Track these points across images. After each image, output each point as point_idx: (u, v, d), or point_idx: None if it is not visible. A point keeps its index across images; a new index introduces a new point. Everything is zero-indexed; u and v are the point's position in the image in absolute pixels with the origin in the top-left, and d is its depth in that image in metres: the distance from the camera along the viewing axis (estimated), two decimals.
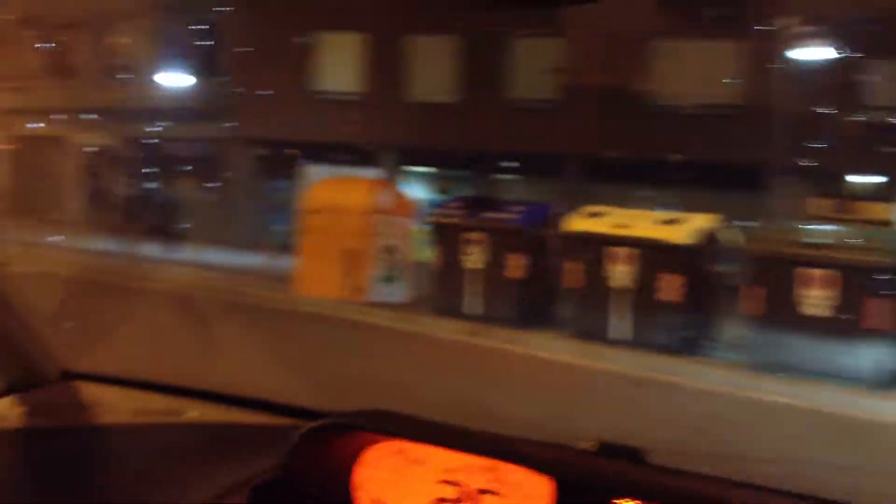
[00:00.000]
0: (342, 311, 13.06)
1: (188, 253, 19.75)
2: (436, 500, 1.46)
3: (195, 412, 1.99)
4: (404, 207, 14.48)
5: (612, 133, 19.21)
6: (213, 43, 26.82)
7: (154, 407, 2.02)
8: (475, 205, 13.17)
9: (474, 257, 12.59)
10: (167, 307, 12.49)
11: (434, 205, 15.31)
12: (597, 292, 11.56)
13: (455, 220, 12.92)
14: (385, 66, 23.79)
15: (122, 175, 28.52)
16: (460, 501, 1.44)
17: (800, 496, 1.30)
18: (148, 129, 27.34)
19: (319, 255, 13.76)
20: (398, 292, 14.00)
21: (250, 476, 1.55)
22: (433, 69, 23.10)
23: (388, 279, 13.97)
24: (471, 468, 1.42)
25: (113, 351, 6.81)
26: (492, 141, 21.68)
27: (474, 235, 12.62)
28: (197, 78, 26.76)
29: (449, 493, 1.44)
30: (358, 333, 12.14)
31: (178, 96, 26.23)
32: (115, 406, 1.97)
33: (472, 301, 12.67)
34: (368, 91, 24.41)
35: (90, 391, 1.99)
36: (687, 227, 11.30)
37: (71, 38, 29.72)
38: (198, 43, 27.05)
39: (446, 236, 12.94)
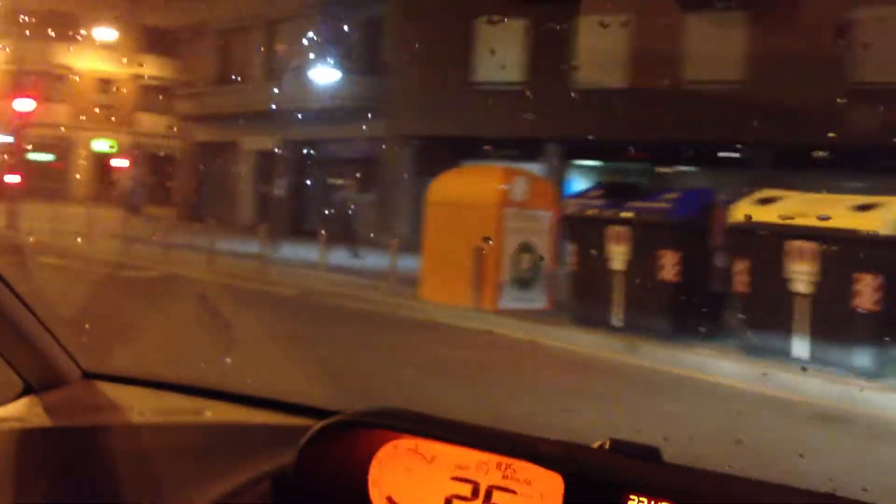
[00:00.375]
0: (465, 319, 11.22)
1: (335, 255, 18.56)
2: (449, 496, 1.45)
3: (212, 412, 2.01)
4: (543, 199, 12.38)
5: (811, 115, 16.25)
6: (371, 39, 25.93)
7: (174, 407, 2.06)
8: (619, 193, 10.93)
9: (618, 256, 10.40)
10: (281, 313, 11.26)
11: (570, 194, 13.15)
12: (773, 299, 9.13)
13: (594, 212, 10.77)
14: (550, 53, 21.81)
15: (288, 177, 28.19)
16: (473, 498, 1.43)
17: (820, 494, 1.26)
18: (310, 131, 26.77)
19: (444, 255, 12.01)
20: (536, 298, 11.99)
21: (266, 473, 1.56)
22: (603, 53, 20.84)
23: (524, 283, 11.99)
24: (484, 465, 1.42)
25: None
26: (668, 129, 19.23)
27: (617, 229, 10.43)
28: (357, 76, 25.95)
29: (462, 490, 1.44)
30: (480, 348, 10.22)
31: (339, 95, 25.50)
32: (134, 406, 1.97)
33: (617, 309, 10.49)
34: (532, 80, 22.50)
35: (109, 391, 2.01)
36: (891, 214, 8.62)
37: (239, 43, 29.79)
38: (356, 40, 26.23)
39: (584, 231, 10.83)
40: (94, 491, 1.69)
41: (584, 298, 10.97)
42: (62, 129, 38.95)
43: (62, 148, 39.80)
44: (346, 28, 26.44)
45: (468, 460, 1.44)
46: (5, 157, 40.16)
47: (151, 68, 38.59)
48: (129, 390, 2.07)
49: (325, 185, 27.75)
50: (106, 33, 39.25)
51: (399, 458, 1.50)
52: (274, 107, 26.66)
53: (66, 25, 38.65)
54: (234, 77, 29.64)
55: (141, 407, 1.99)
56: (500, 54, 23.07)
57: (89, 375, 2.02)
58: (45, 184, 38.34)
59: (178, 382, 2.17)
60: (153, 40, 39.13)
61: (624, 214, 10.44)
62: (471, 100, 22.55)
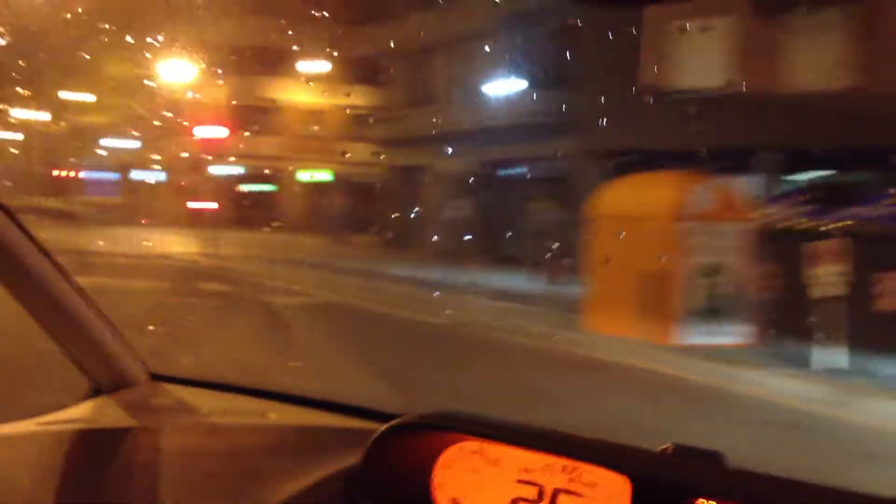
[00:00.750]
0: (641, 357, 9.15)
1: (518, 279, 16.93)
2: (514, 499, 1.44)
3: (277, 414, 2.02)
4: (733, 209, 10.04)
5: None
6: (564, 51, 24.20)
7: (240, 408, 2.05)
8: (828, 199, 8.50)
9: (829, 278, 8.00)
10: (426, 347, 9.79)
11: (770, 200, 10.68)
12: None
13: (800, 223, 8.41)
14: (758, 54, 19.15)
15: (480, 199, 26.98)
16: (538, 501, 1.42)
17: (887, 499, 1.21)
18: (503, 150, 25.41)
19: (614, 278, 10.01)
20: (727, 332, 9.68)
21: (335, 474, 1.56)
22: (821, 51, 17.94)
23: (712, 312, 9.72)
24: (548, 468, 1.41)
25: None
26: None
27: (828, 245, 8.03)
28: (549, 90, 24.32)
29: (527, 492, 1.43)
30: (664, 397, 8.10)
31: (532, 111, 23.98)
32: (201, 407, 1.98)
33: (836, 348, 8.08)
34: (738, 85, 19.87)
35: (176, 393, 2.03)
36: None
37: (432, 64, 29.03)
38: (548, 53, 24.60)
39: (788, 246, 8.49)
40: (161, 491, 1.64)
41: (792, 332, 8.61)
42: (272, 159, 40.09)
43: (273, 178, 40.92)
44: (536, 41, 24.90)
45: (533, 463, 1.42)
46: (204, 183, 41.98)
47: (356, 97, 38.90)
48: (196, 392, 2.08)
49: (518, 205, 26.25)
50: (314, 66, 40.03)
51: (464, 461, 1.49)
52: (466, 127, 25.52)
53: (276, 60, 39.80)
54: (427, 99, 28.90)
55: (208, 408, 2.00)
56: (702, 58, 20.64)
57: (157, 377, 2.06)
58: (257, 212, 39.51)
59: (244, 385, 2.17)
60: (358, 70, 39.52)
61: (840, 224, 8.03)
62: (669, 110, 20.26)
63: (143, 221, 32.02)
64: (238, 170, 40.29)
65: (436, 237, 28.43)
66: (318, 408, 2.01)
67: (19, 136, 53.36)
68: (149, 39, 37.59)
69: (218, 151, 40.00)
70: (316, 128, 41.12)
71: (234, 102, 40.10)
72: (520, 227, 26.04)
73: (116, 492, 1.67)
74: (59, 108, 46.26)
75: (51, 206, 39.56)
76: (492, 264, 20.91)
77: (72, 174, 48.07)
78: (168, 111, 41.07)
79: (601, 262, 10.29)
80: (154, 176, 41.78)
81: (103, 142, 45.85)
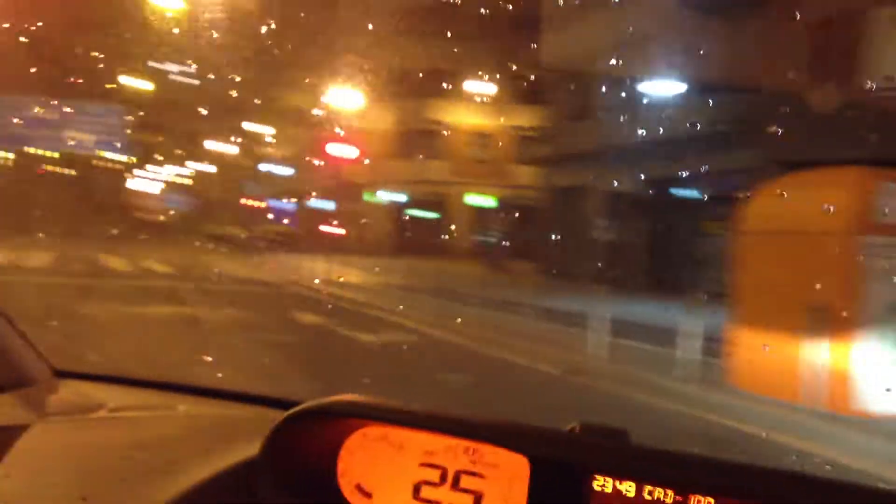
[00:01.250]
0: (810, 435, 6.32)
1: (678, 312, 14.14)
2: (418, 482, 1.43)
3: (186, 406, 2.01)
4: None
5: None
6: (740, 50, 21.00)
7: (147, 402, 2.02)
8: None
9: None
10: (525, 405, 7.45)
11: None
12: None
13: None
14: None
15: (644, 221, 24.11)
16: (442, 483, 1.42)
17: (795, 474, 1.20)
18: (670, 165, 22.44)
19: (765, 316, 7.18)
20: None
21: (234, 465, 1.52)
22: None
23: None
24: (452, 450, 1.41)
25: None
26: None
27: None
28: (724, 95, 21.15)
29: (431, 475, 1.43)
30: None
31: (704, 120, 20.92)
32: (106, 402, 1.94)
33: None
34: None
35: (81, 389, 2.03)
36: None
37: (592, 73, 26.46)
38: (718, 54, 21.44)
39: None
40: (60, 486, 1.54)
41: None
42: (434, 184, 38.65)
43: (435, 203, 39.43)
44: (704, 42, 21.80)
45: (436, 446, 1.43)
46: (367, 209, 40.99)
47: (518, 117, 36.87)
48: (101, 388, 2.06)
49: (690, 227, 23.16)
50: (479, 87, 38.40)
51: (368, 447, 1.48)
52: (630, 141, 22.74)
53: (442, 82, 38.45)
54: (588, 111, 26.34)
55: (114, 403, 1.95)
56: None
57: (61, 374, 2.06)
58: (416, 238, 38.16)
59: (152, 379, 2.15)
60: (522, 89, 37.52)
61: None
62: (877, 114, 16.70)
63: (304, 247, 31.19)
64: (401, 195, 39.17)
65: (597, 263, 25.76)
66: (230, 399, 2.01)
67: (212, 168, 55.50)
68: (312, 68, 37.28)
69: (380, 177, 39.18)
70: (478, 150, 39.46)
71: (398, 127, 39.23)
72: (690, 253, 22.97)
73: (13, 490, 1.52)
74: (243, 142, 47.34)
75: (227, 233, 40.29)
76: (657, 294, 18.14)
77: (253, 203, 49.07)
78: (336, 139, 40.77)
79: (750, 295, 7.47)
80: (322, 204, 41.48)
81: (277, 171, 46.48)
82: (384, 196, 39.50)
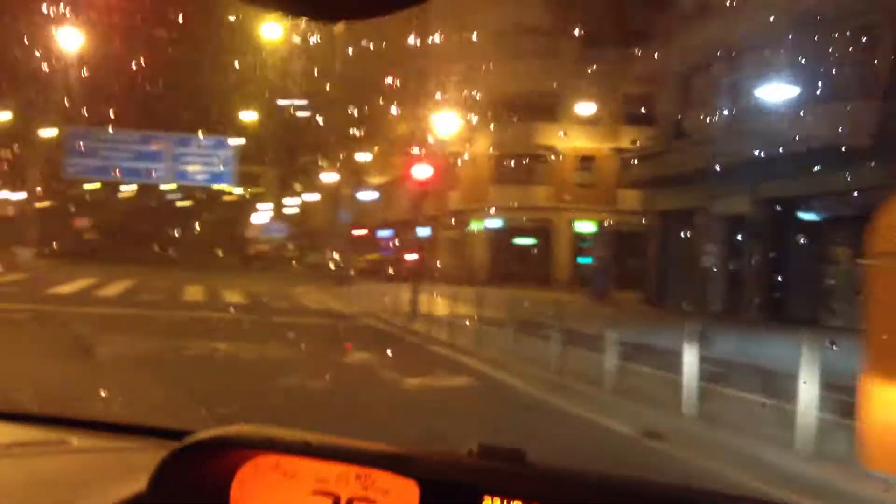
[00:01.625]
0: None
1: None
2: None
3: (81, 441, 1.92)
4: None
5: None
6: (869, 57, 18.35)
7: (37, 438, 1.92)
8: None
9: None
10: None
11: None
12: None
13: None
14: None
15: (765, 247, 21.52)
16: None
17: (674, 486, 1.23)
18: (795, 184, 19.86)
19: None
20: None
21: (124, 499, 1.45)
22: None
23: None
24: (343, 477, 1.39)
25: None
26: None
27: None
28: (853, 105, 18.49)
29: (323, 503, 1.40)
30: None
31: (831, 134, 18.28)
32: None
33: None
34: None
35: None
36: None
37: (702, 86, 24.11)
38: (848, 61, 18.80)
39: None
40: None
41: None
42: (537, 210, 36.70)
43: (536, 230, 37.40)
44: (831, 47, 19.19)
45: (328, 473, 1.40)
46: (468, 238, 39.22)
47: (625, 139, 34.57)
48: None
49: (810, 253, 20.52)
50: (583, 108, 36.35)
51: (260, 477, 1.44)
52: (747, 157, 20.24)
53: (544, 104, 36.62)
54: (699, 128, 23.94)
55: (5, 439, 1.88)
56: None
57: None
58: (515, 266, 36.20)
59: (42, 414, 2.10)
60: (628, 108, 35.29)
61: None
62: None
63: (397, 276, 29.77)
64: (501, 222, 37.33)
65: (707, 293, 23.26)
66: (130, 433, 1.96)
67: (314, 197, 55.26)
68: (415, 95, 36.15)
69: (480, 203, 37.51)
70: (580, 174, 37.28)
71: (498, 152, 37.55)
72: (814, 282, 20.28)
73: None
74: (345, 171, 46.71)
75: (322, 261, 39.45)
76: (773, 330, 15.76)
77: (352, 232, 48.32)
78: (436, 165, 39.43)
79: (887, 338, 5.32)
80: (420, 231, 40.07)
81: (378, 199, 45.56)
82: (483, 223, 37.77)
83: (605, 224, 32.56)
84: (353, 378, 9.75)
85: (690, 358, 8.16)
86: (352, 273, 31.27)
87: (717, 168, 20.73)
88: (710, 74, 23.28)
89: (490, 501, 1.24)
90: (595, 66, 35.33)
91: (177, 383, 8.24)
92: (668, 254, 26.05)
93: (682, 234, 24.96)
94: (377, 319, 17.32)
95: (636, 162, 28.61)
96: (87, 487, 1.57)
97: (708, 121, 23.27)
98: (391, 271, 33.42)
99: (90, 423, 2.04)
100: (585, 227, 35.47)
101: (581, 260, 33.78)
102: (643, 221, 28.47)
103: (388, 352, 12.12)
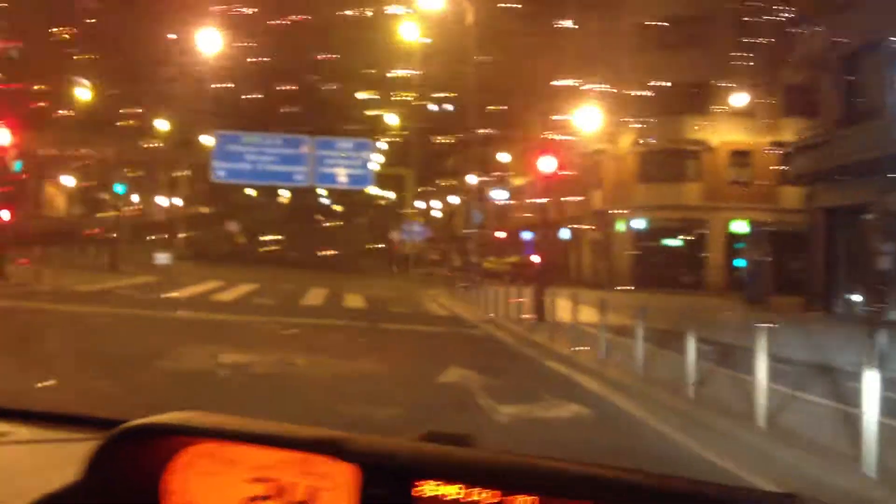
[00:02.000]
0: None
1: None
2: (247, 499, 1.37)
3: (24, 432, 1.84)
4: None
5: None
6: None
7: None
8: None
9: None
10: None
11: None
12: None
13: None
14: None
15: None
16: (271, 497, 1.36)
17: (624, 468, 1.18)
18: None
19: None
20: None
21: (59, 489, 1.37)
22: None
23: None
24: (283, 463, 1.35)
25: None
26: None
27: None
28: None
29: (260, 490, 1.36)
30: None
31: None
32: None
33: None
34: None
35: None
36: None
37: (868, 67, 20.93)
38: None
39: None
40: None
41: None
42: (685, 209, 33.81)
43: (687, 230, 34.46)
44: None
45: (268, 460, 1.36)
46: (611, 238, 36.59)
47: (783, 130, 31.21)
48: None
49: None
50: (736, 98, 33.22)
51: (196, 465, 1.39)
52: None
53: (693, 95, 33.69)
54: (869, 112, 20.77)
55: None
56: None
57: None
58: (664, 270, 33.42)
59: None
60: (787, 98, 31.87)
61: None
62: None
63: (533, 279, 27.85)
64: (648, 222, 34.63)
65: (882, 299, 20.08)
66: (75, 424, 1.89)
67: (455, 200, 54.07)
68: (557, 91, 34.18)
69: (625, 203, 34.99)
70: (734, 170, 34.00)
71: (645, 148, 34.90)
72: None
73: None
74: (484, 172, 45.26)
75: (457, 263, 37.96)
76: None
77: (492, 234, 46.70)
78: (578, 163, 37.18)
79: None
80: (560, 233, 37.88)
81: (516, 200, 43.79)
82: (628, 223, 35.23)
83: (762, 223, 29.35)
84: (440, 402, 7.98)
85: (872, 383, 5.88)
86: (486, 276, 29.66)
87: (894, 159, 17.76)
88: (882, 53, 20.08)
89: (432, 486, 1.21)
90: (749, 53, 32.25)
91: (213, 400, 6.80)
92: (835, 255, 22.88)
93: (852, 233, 21.81)
94: (497, 327, 15.49)
95: (796, 155, 25.45)
96: (25, 477, 1.51)
97: (882, 105, 20.09)
98: (529, 273, 31.52)
99: (41, 414, 1.92)
100: (740, 226, 32.28)
101: (736, 262, 30.69)
102: (805, 220, 25.38)
103: (495, 369, 10.26)
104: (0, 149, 17.69)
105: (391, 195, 58.25)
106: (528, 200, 40.33)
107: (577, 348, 11.91)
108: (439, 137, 52.41)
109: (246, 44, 39.51)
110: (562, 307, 15.01)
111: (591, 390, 9.17)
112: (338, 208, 65.43)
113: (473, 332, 15.16)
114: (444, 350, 12.28)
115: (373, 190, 53.91)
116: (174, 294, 18.97)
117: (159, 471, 1.39)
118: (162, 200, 52.88)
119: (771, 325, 7.91)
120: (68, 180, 46.32)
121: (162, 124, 46.02)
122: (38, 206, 45.52)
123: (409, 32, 38.21)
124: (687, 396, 8.30)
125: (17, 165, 20.11)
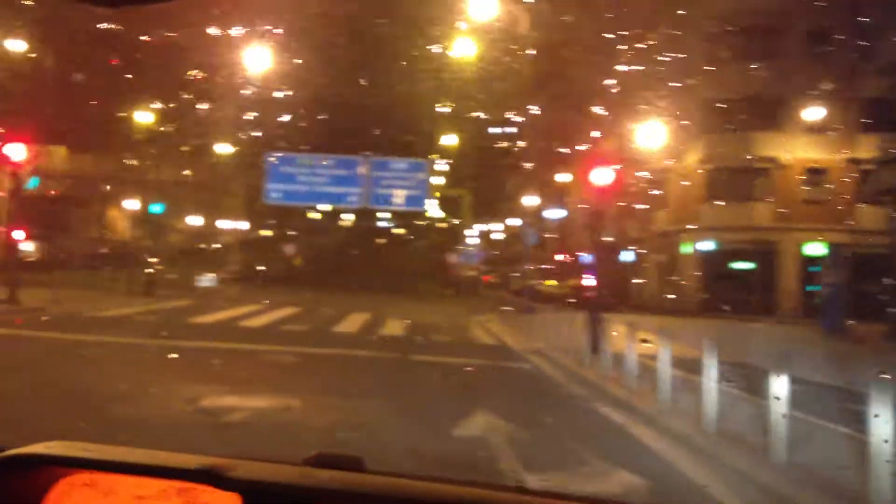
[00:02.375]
0: None
1: None
2: None
3: None
4: None
5: None
6: None
7: None
8: None
9: None
10: None
11: None
12: None
13: None
14: None
15: None
16: None
17: (524, 490, 1.21)
18: None
19: None
20: None
21: None
22: None
23: None
24: (164, 493, 1.31)
25: None
26: None
27: None
28: None
29: None
30: None
31: None
32: None
33: None
34: None
35: None
36: None
37: None
38: None
39: None
40: None
41: None
42: (756, 230, 31.23)
43: (759, 252, 31.80)
44: None
45: (148, 490, 1.30)
46: (677, 262, 34.08)
47: (861, 146, 28.53)
48: None
49: None
50: (810, 113, 30.63)
51: (74, 496, 1.31)
52: None
53: (763, 110, 31.21)
54: None
55: None
56: None
57: None
58: (738, 293, 30.79)
59: None
60: (865, 112, 29.14)
61: None
62: None
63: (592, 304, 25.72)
64: (715, 244, 32.11)
65: None
66: None
67: (516, 222, 52.11)
68: (616, 105, 32.06)
69: (691, 224, 32.56)
70: (809, 189, 31.26)
71: (712, 165, 32.48)
72: None
73: None
74: (544, 193, 43.32)
75: (515, 287, 36.01)
76: None
77: (554, 256, 44.61)
78: (640, 182, 34.94)
79: None
80: (623, 255, 35.55)
81: (575, 220, 41.70)
82: (694, 245, 32.79)
83: (840, 244, 26.67)
84: (448, 463, 6.05)
85: None
86: (544, 300, 27.61)
87: None
88: None
89: None
90: (824, 66, 29.72)
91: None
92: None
93: None
94: (545, 359, 13.49)
95: (879, 171, 22.93)
96: None
97: None
98: (587, 298, 29.34)
99: None
100: (815, 248, 29.58)
101: (810, 287, 28.03)
102: (887, 240, 22.83)
103: (531, 416, 8.28)
104: (14, 164, 16.50)
105: (452, 219, 56.68)
106: (584, 220, 38.18)
107: (634, 388, 9.87)
108: (501, 160, 50.62)
109: (297, 61, 38.36)
110: (620, 336, 12.92)
111: (650, 448, 7.13)
112: (398, 231, 64.10)
113: (517, 365, 13.17)
114: (475, 389, 10.34)
115: (432, 212, 52.35)
116: (202, 319, 17.44)
117: (37, 502, 1.31)
118: (225, 223, 52.29)
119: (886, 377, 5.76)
120: (132, 203, 45.88)
121: (224, 147, 45.39)
122: (101, 229, 45.20)
123: (468, 50, 36.67)
124: (779, 461, 6.22)
125: (32, 182, 18.94)
